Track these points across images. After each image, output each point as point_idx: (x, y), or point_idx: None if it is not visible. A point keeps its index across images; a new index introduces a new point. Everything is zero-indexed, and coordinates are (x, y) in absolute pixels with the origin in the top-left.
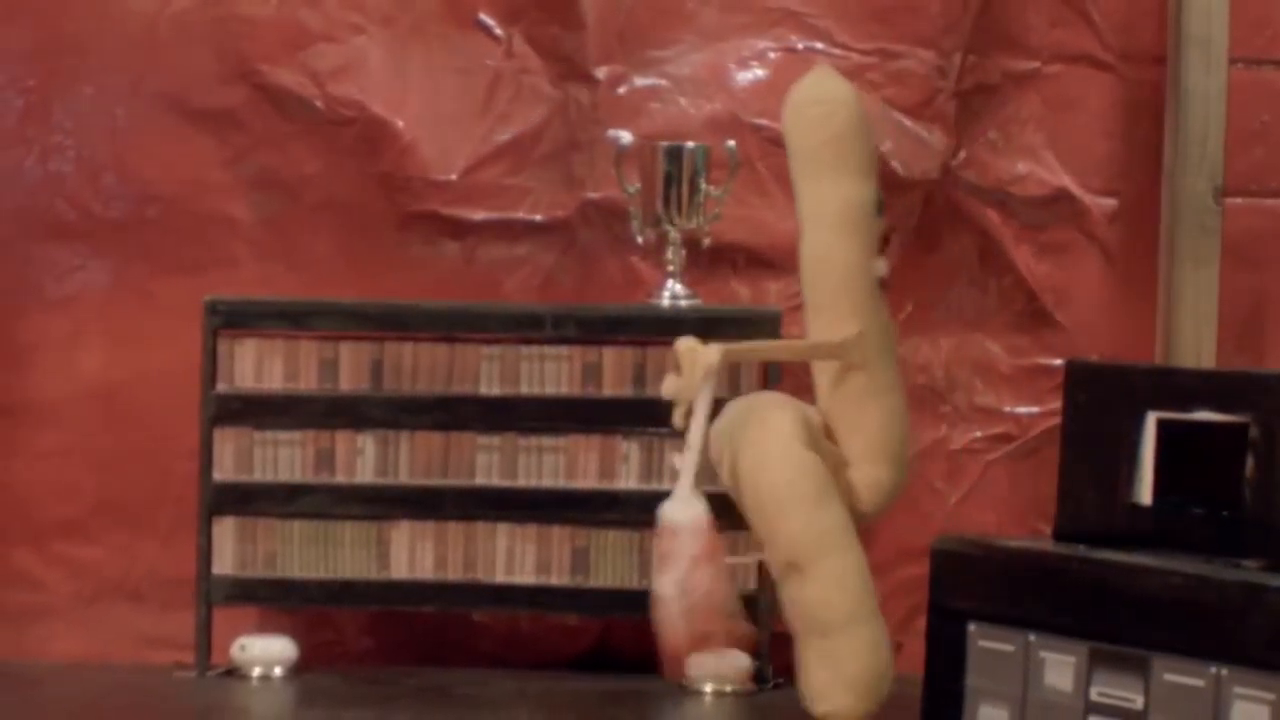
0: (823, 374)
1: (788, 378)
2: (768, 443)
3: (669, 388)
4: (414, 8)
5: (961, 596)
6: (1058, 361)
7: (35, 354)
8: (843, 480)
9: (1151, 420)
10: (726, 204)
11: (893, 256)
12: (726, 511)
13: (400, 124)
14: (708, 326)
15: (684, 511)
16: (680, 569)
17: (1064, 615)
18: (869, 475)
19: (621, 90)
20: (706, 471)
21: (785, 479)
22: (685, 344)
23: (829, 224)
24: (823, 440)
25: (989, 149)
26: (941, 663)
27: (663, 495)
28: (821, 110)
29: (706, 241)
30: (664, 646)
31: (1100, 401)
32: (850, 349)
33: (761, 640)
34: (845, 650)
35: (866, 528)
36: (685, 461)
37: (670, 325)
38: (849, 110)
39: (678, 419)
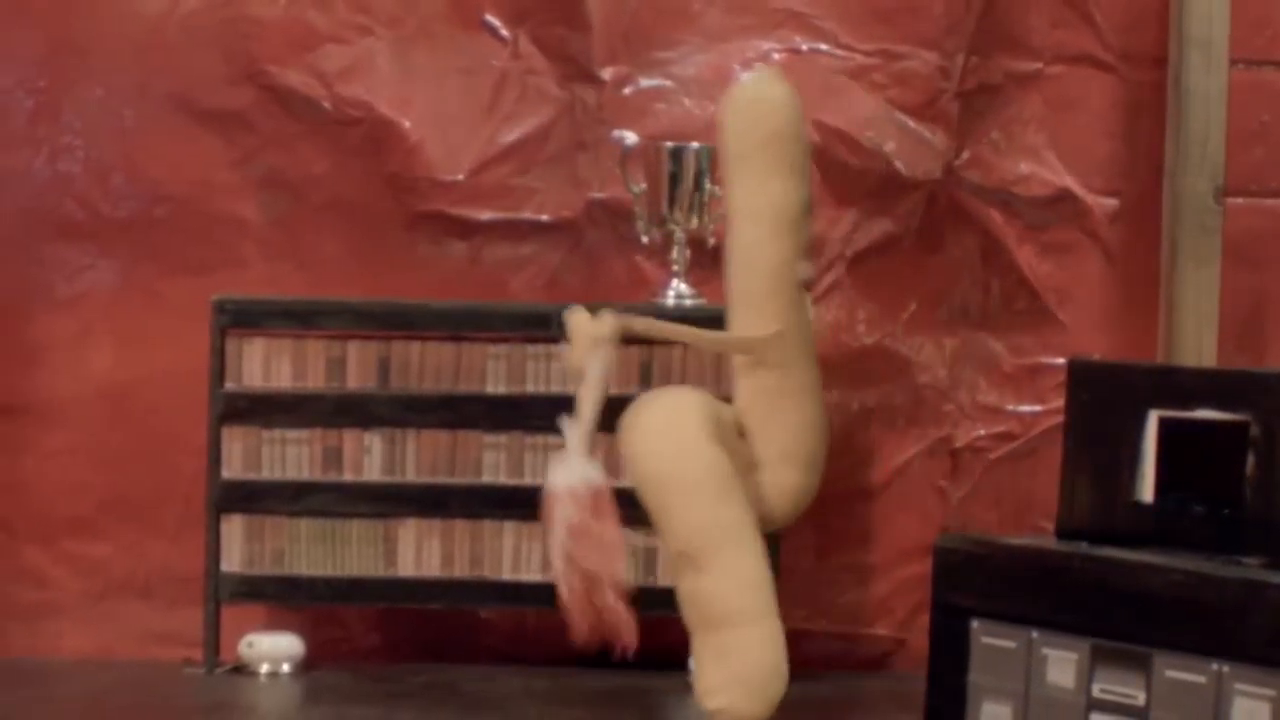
0: (741, 373)
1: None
2: (671, 433)
3: (566, 358)
4: (421, 9)
5: (965, 594)
6: (1060, 360)
7: (45, 353)
8: (753, 481)
9: (1153, 419)
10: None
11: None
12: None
13: (407, 124)
14: (712, 325)
15: (566, 478)
16: (560, 537)
17: (1066, 612)
18: (780, 477)
19: (627, 91)
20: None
21: (685, 470)
22: (575, 315)
23: (759, 221)
24: (732, 438)
25: (992, 149)
26: (945, 659)
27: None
28: (760, 109)
29: (711, 241)
30: (566, 606)
31: (1102, 400)
32: (766, 347)
33: None
34: (738, 646)
35: (870, 530)
36: (573, 429)
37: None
38: (787, 112)
39: (576, 389)
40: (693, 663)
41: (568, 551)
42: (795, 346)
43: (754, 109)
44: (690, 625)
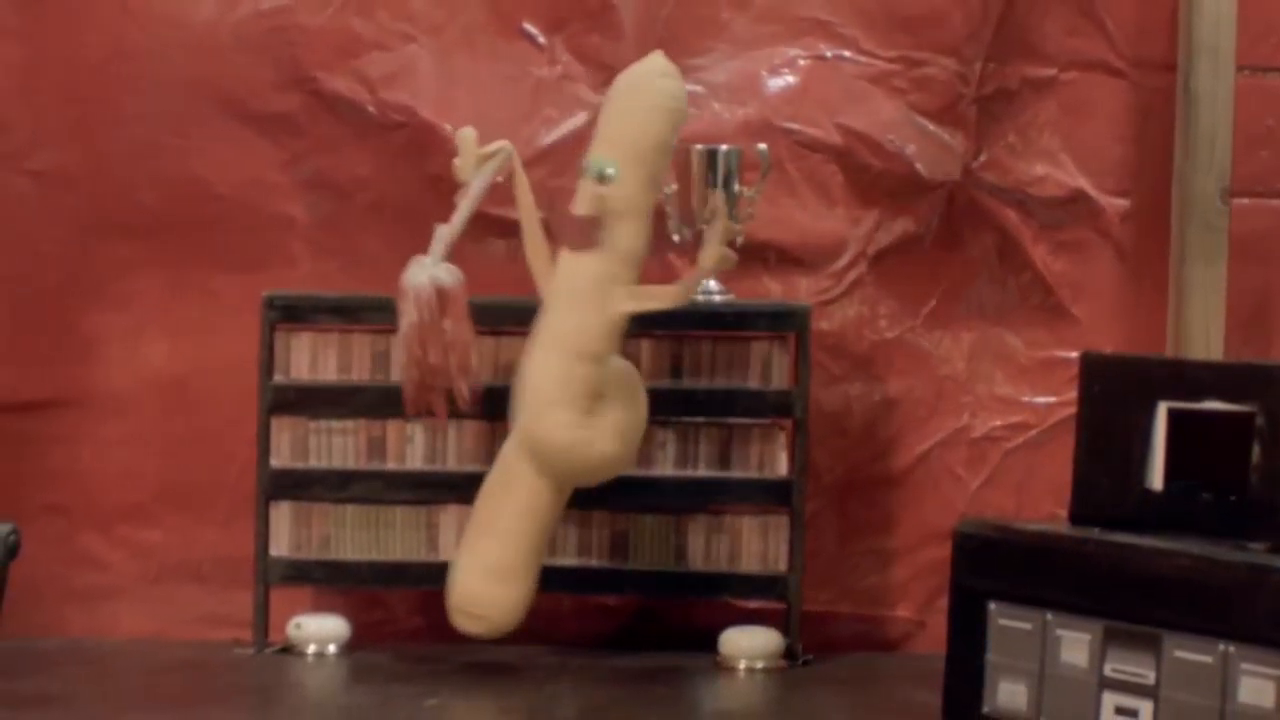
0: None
1: None
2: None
3: (455, 169)
4: (462, 18)
5: (982, 577)
6: (1073, 354)
7: (101, 348)
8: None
9: (1162, 409)
10: (759, 204)
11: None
12: None
13: (448, 128)
14: (741, 320)
15: (416, 278)
16: (403, 332)
17: (1079, 595)
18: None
19: None
20: None
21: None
22: (465, 131)
23: (617, 147)
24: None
25: (1008, 152)
26: (963, 640)
27: (696, 480)
28: (643, 69)
29: (739, 240)
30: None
31: (1114, 392)
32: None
33: (793, 619)
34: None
35: (891, 515)
36: (441, 232)
37: (705, 319)
38: (668, 82)
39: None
40: (722, 644)
41: (409, 346)
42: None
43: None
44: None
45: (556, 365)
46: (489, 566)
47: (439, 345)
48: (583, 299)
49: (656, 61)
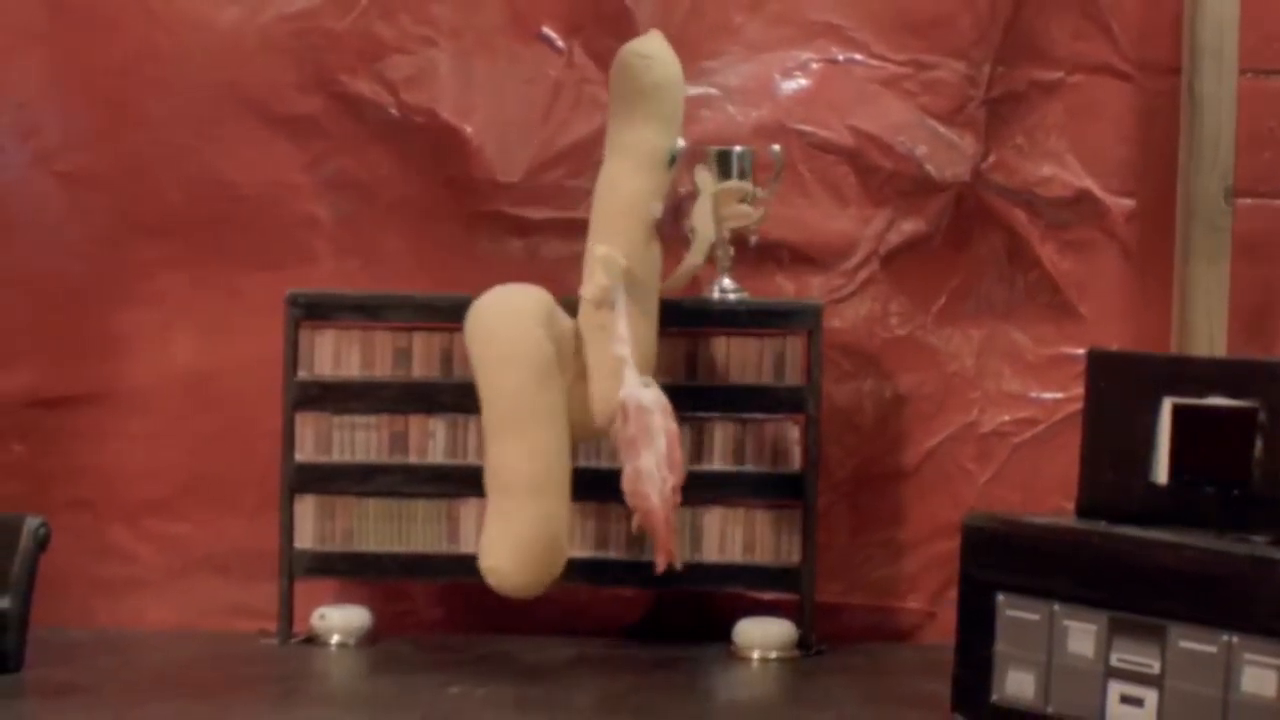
0: (586, 291)
1: None
2: (504, 315)
3: (594, 290)
4: (481, 22)
5: (991, 569)
6: (1080, 351)
7: (129, 345)
8: (580, 390)
9: (1167, 405)
10: (772, 204)
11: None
12: None
13: (468, 130)
14: (754, 318)
15: (651, 394)
16: (660, 446)
17: (1086, 587)
18: (602, 389)
19: None
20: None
21: (508, 346)
22: (604, 251)
23: (625, 158)
24: (565, 341)
25: (1016, 153)
26: (972, 631)
27: (711, 474)
28: (642, 63)
29: (753, 239)
30: (655, 526)
31: (1119, 388)
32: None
33: (806, 610)
34: (519, 514)
35: (902, 508)
36: (625, 352)
37: (720, 317)
38: (666, 69)
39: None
40: (736, 635)
41: (669, 458)
42: (640, 274)
43: (636, 62)
44: (486, 490)
45: None
46: None
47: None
48: None
49: (648, 45)
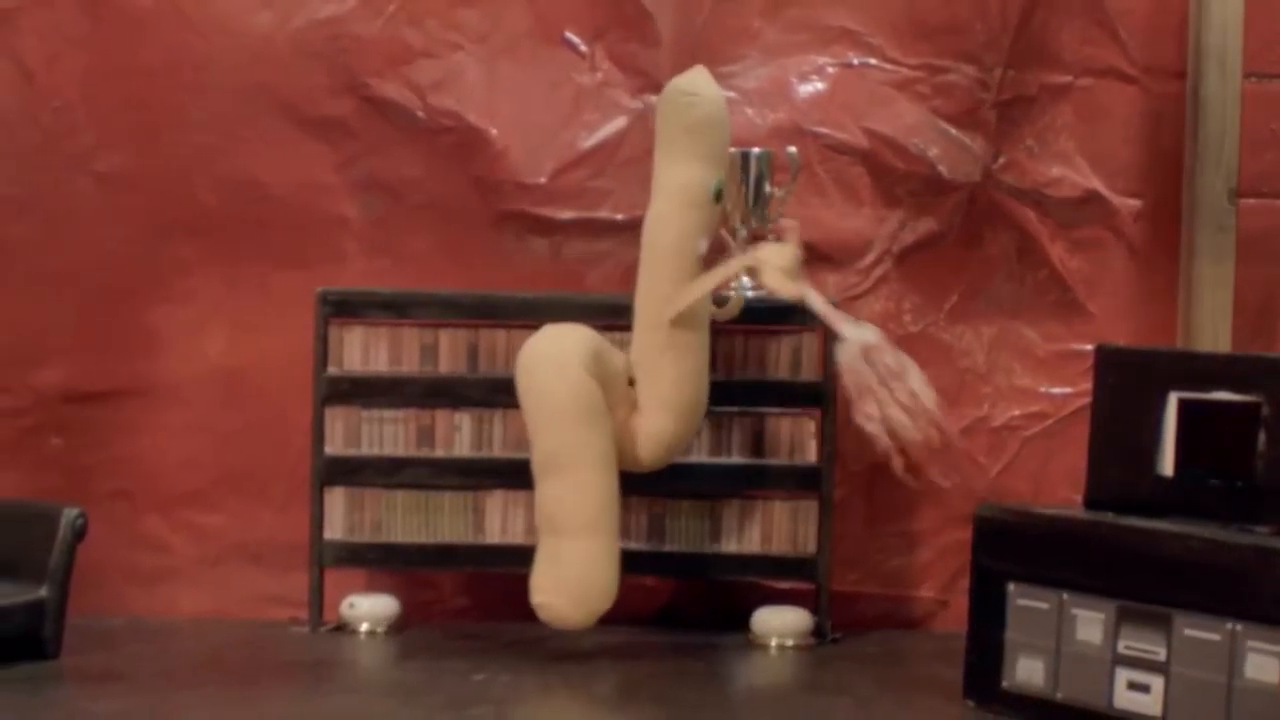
0: (638, 326)
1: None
2: (551, 358)
3: (791, 288)
4: (507, 27)
5: (1002, 559)
6: (1088, 347)
7: (164, 341)
8: (630, 422)
9: (1173, 400)
10: (789, 204)
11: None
12: None
13: (494, 132)
14: (772, 315)
15: (870, 333)
16: (913, 376)
17: (1094, 576)
18: (653, 423)
19: None
20: None
21: (555, 390)
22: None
23: (671, 197)
24: (615, 378)
25: (1026, 155)
26: (984, 619)
27: (729, 467)
28: (687, 101)
29: (771, 239)
30: (947, 441)
31: (1127, 383)
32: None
33: (822, 599)
34: (569, 553)
35: (915, 500)
36: (835, 314)
37: (739, 314)
38: (710, 106)
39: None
40: (754, 623)
41: (918, 387)
42: (688, 313)
43: (680, 100)
44: (538, 530)
45: None
46: None
47: (893, 403)
48: None
49: (694, 83)
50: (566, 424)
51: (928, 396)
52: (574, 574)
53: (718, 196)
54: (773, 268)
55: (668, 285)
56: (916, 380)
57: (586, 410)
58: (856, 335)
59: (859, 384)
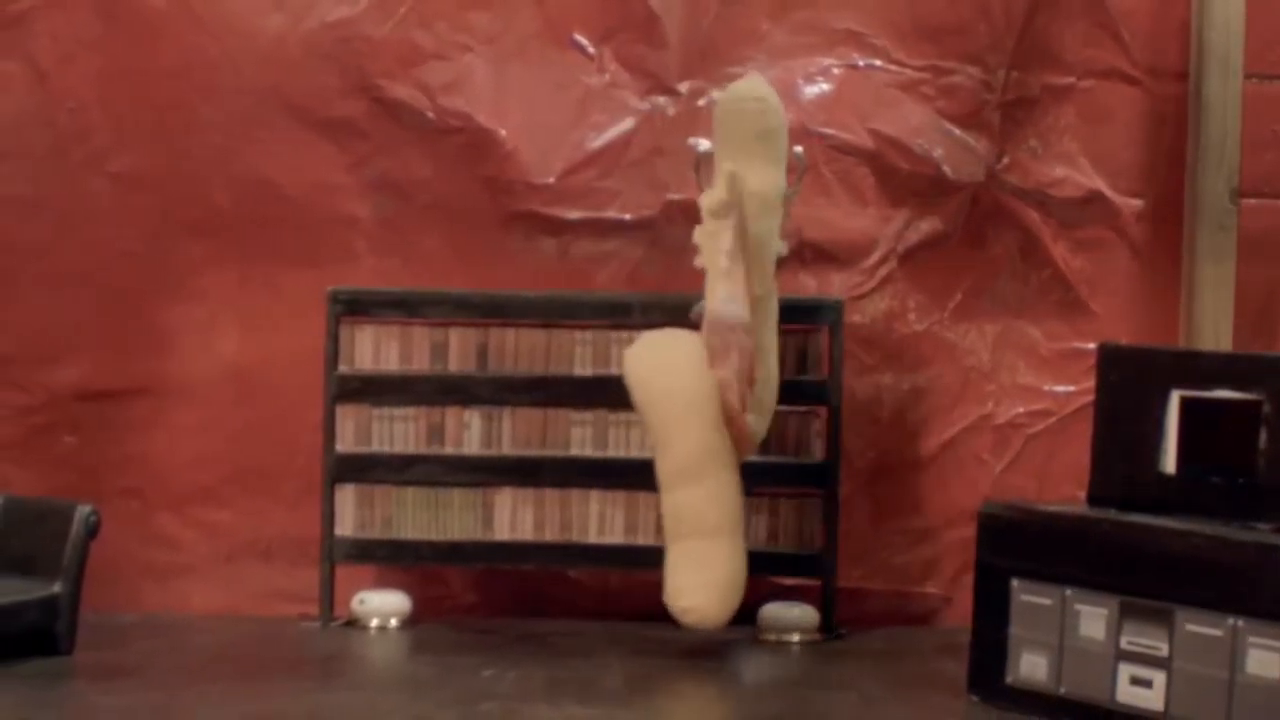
0: (706, 201)
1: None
2: (681, 360)
3: (714, 200)
4: (516, 29)
5: (1006, 555)
6: (1091, 345)
7: (176, 339)
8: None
9: (1175, 397)
10: (795, 204)
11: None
12: None
13: (503, 133)
14: (779, 314)
15: (733, 309)
16: (734, 361)
17: (1097, 572)
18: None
19: (701, 102)
20: None
21: (692, 392)
22: (730, 167)
23: (749, 202)
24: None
25: (1030, 155)
26: (988, 614)
27: (740, 465)
28: (757, 106)
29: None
30: (735, 429)
31: (1129, 381)
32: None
33: (828, 595)
34: (713, 556)
35: (920, 497)
36: (727, 264)
37: None
38: (779, 114)
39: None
40: (761, 619)
41: (746, 372)
42: (763, 313)
43: (750, 107)
44: (670, 535)
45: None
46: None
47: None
48: None
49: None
50: (703, 427)
51: (740, 384)
52: (722, 575)
53: (786, 198)
54: (705, 210)
55: (756, 288)
56: (735, 365)
57: (715, 412)
58: (726, 307)
59: (721, 344)
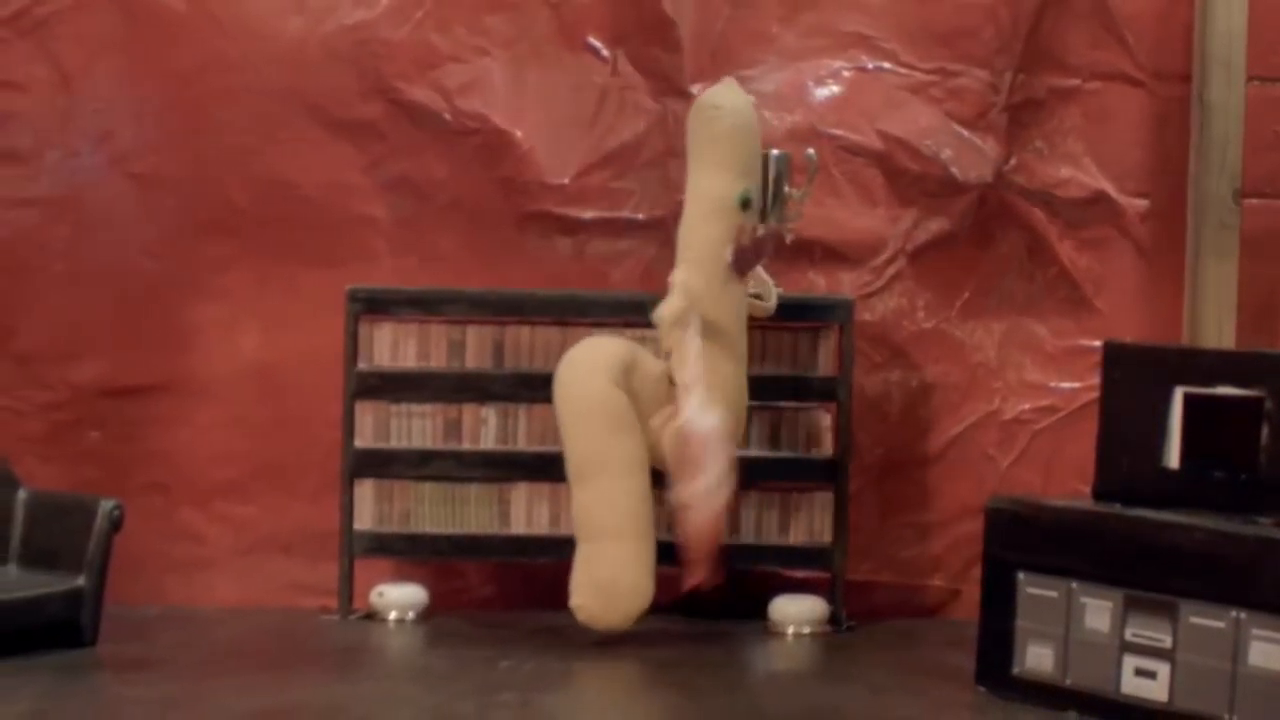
0: (661, 311)
1: None
2: (579, 372)
3: (669, 311)
4: (532, 32)
5: (1012, 549)
6: (1096, 343)
7: (198, 338)
8: (672, 428)
9: (1179, 394)
10: (806, 204)
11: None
12: None
13: (519, 134)
14: (789, 312)
15: (709, 421)
16: (718, 471)
17: (1102, 565)
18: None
19: None
20: None
21: (581, 403)
22: (682, 275)
23: (699, 204)
24: (650, 386)
25: (1036, 156)
26: (995, 607)
27: (751, 460)
28: (713, 114)
29: (789, 237)
30: (698, 546)
31: (1134, 378)
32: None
33: (837, 588)
34: (600, 557)
35: (928, 492)
36: (688, 378)
37: None
38: (736, 119)
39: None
40: (771, 611)
41: (724, 482)
42: (720, 316)
43: (706, 114)
44: (575, 535)
45: None
46: None
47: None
48: None
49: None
50: (593, 433)
51: (718, 496)
52: (604, 577)
53: (745, 204)
54: (660, 318)
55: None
56: (714, 477)
57: (613, 420)
58: (700, 418)
59: (686, 459)
